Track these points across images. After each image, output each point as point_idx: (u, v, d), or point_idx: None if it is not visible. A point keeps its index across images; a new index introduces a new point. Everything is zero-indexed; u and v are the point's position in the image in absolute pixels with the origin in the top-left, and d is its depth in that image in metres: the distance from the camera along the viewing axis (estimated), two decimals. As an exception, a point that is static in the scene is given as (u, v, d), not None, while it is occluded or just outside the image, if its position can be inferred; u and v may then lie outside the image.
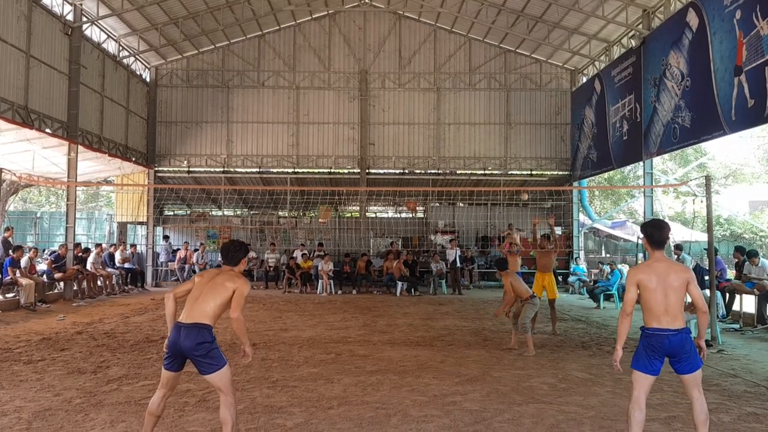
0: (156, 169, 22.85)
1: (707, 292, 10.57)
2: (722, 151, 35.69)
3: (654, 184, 20.08)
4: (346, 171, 23.35)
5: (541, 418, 5.75)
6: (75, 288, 16.09)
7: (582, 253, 23.45)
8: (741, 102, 12.01)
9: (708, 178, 11.33)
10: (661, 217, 26.01)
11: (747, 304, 12.55)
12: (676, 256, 15.74)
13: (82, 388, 6.66)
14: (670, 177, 32.02)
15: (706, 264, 11.84)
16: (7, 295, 13.60)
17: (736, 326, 11.97)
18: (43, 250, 19.15)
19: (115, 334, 10.46)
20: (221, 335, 10.50)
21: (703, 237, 18.92)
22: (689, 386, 4.81)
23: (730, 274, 14.80)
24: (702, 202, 13.36)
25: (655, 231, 4.80)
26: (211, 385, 4.80)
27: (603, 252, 27.96)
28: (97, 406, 5.99)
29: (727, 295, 12.74)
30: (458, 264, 20.23)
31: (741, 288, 12.38)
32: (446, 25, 23.16)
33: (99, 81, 18.58)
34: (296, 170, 23.25)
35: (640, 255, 18.74)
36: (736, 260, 13.25)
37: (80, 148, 16.87)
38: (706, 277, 10.74)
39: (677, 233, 25.03)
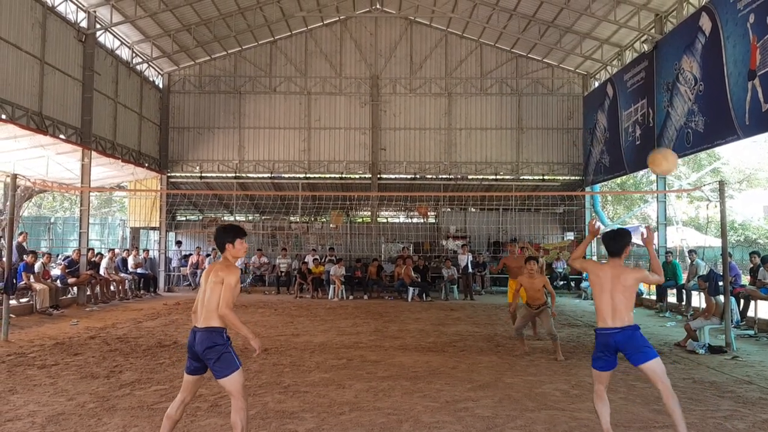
0: (168, 174, 22.99)
1: (721, 298, 10.48)
2: (736, 155, 35.45)
3: (667, 188, 19.98)
4: (357, 176, 23.38)
5: (553, 424, 5.71)
6: (88, 293, 16.19)
7: (595, 259, 23.33)
8: (755, 106, 11.92)
9: (722, 183, 11.24)
10: (674, 222, 25.84)
11: (762, 309, 12.44)
12: (690, 261, 15.66)
13: (95, 393, 6.69)
14: (684, 182, 31.80)
15: (720, 269, 11.73)
16: (22, 300, 13.70)
17: (751, 332, 11.86)
18: (57, 255, 19.29)
19: (128, 339, 10.51)
20: (232, 340, 10.51)
21: (717, 242, 18.81)
22: (651, 380, 4.95)
23: (745, 279, 14.67)
24: (716, 207, 13.27)
25: (609, 241, 5.26)
26: (223, 389, 4.73)
27: (616, 257, 27.78)
28: (110, 410, 6.02)
29: (742, 300, 12.62)
30: (470, 269, 20.16)
31: (756, 294, 12.27)
32: (457, 30, 23.18)
33: (112, 87, 18.74)
34: (308, 175, 23.31)
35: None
36: (752, 264, 13.13)
37: (94, 153, 16.99)
38: (720, 283, 10.65)
39: (691, 239, 24.87)
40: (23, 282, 13.48)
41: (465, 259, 20.13)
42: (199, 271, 21.16)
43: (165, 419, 4.65)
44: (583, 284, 20.42)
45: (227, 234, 4.71)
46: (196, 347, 4.50)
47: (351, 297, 19.24)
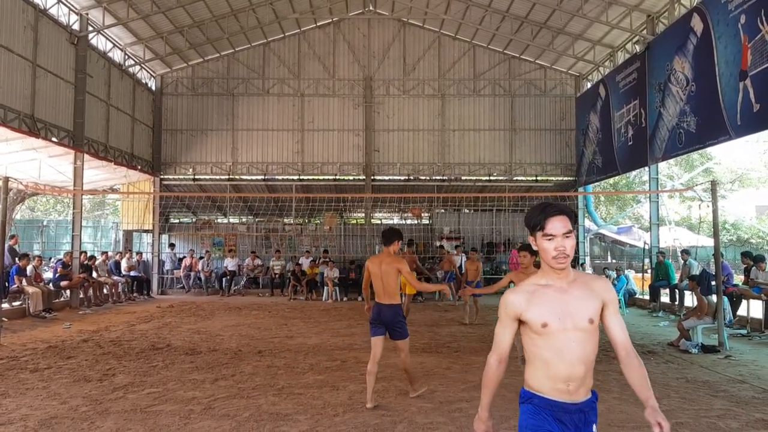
0: (161, 177, 22.92)
1: (713, 297, 10.52)
2: (728, 155, 35.59)
3: (659, 189, 20.05)
4: (351, 178, 23.36)
5: (547, 424, 5.71)
6: (81, 296, 16.13)
7: (588, 259, 23.39)
8: (746, 106, 11.98)
9: (714, 183, 11.30)
10: (667, 222, 25.92)
11: (754, 309, 12.49)
12: (683, 261, 15.72)
13: (88, 396, 6.67)
14: (676, 182, 31.95)
15: (712, 269, 11.78)
16: (14, 304, 13.64)
17: (744, 331, 11.91)
18: (50, 259, 19.22)
19: (121, 342, 10.48)
20: (226, 343, 10.52)
21: (710, 242, 18.88)
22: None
23: (737, 279, 14.73)
24: (708, 206, 13.33)
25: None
26: (395, 346, 6.60)
27: (609, 257, 27.92)
28: (103, 414, 6.00)
29: (734, 299, 12.66)
30: (464, 270, 20.14)
31: (748, 293, 12.32)
32: (450, 31, 23.20)
33: (105, 90, 18.67)
34: (301, 177, 23.28)
35: (647, 260, 18.68)
36: (745, 265, 13.19)
37: (86, 156, 16.95)
38: (713, 282, 10.69)
39: (683, 238, 24.97)
40: (15, 285, 13.43)
41: (459, 260, 20.14)
42: (192, 274, 21.15)
43: (368, 375, 6.38)
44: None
45: (398, 235, 6.69)
46: (383, 317, 6.42)
47: (345, 299, 19.24)
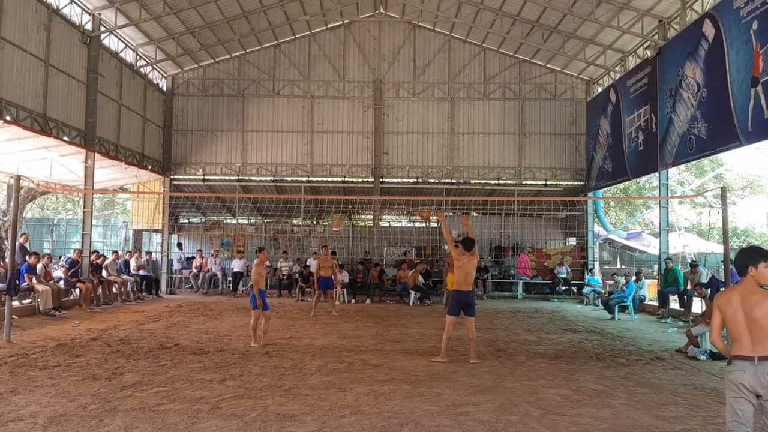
0: (171, 177, 23.03)
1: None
2: (739, 161, 35.40)
3: (670, 195, 19.97)
4: (359, 180, 23.40)
5: (554, 429, 5.71)
6: (91, 295, 16.20)
7: (597, 264, 23.31)
8: (758, 113, 11.92)
9: (724, 190, 11.25)
10: (676, 228, 25.80)
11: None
12: (693, 274, 15.64)
13: (97, 394, 6.71)
14: (686, 188, 31.82)
15: (722, 276, 11.72)
16: (24, 302, 13.73)
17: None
18: (60, 257, 19.33)
19: (130, 341, 10.53)
20: (234, 343, 10.56)
21: (719, 248, 18.80)
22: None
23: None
24: (718, 213, 13.28)
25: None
26: (466, 321, 9.11)
27: (618, 263, 27.82)
28: (112, 412, 6.03)
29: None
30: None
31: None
32: (461, 35, 23.21)
33: (116, 90, 18.80)
34: (310, 179, 23.33)
35: (655, 266, 18.59)
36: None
37: (97, 155, 17.06)
38: (722, 289, 10.64)
39: (693, 245, 24.84)
40: (26, 283, 13.51)
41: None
42: (201, 274, 21.19)
43: (445, 341, 9.11)
44: (585, 290, 20.42)
45: (474, 243, 9.23)
46: (464, 300, 8.97)
47: (353, 301, 19.26)
